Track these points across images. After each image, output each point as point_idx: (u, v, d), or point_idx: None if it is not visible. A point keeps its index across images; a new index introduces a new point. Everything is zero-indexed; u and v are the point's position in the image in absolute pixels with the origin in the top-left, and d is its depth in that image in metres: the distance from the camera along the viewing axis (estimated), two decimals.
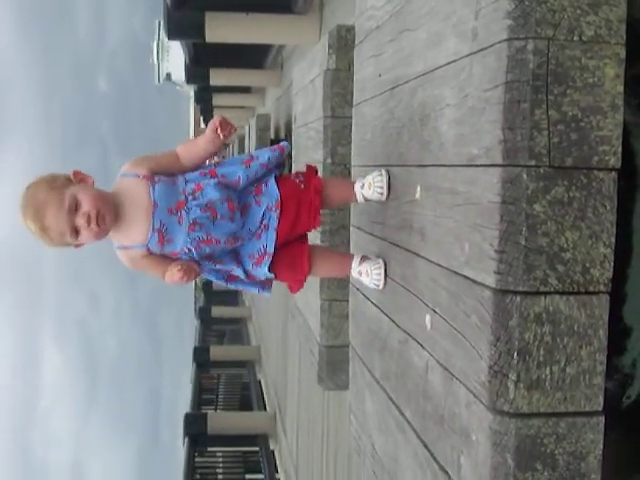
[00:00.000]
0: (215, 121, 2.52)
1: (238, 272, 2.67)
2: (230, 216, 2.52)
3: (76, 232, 2.45)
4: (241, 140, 17.72)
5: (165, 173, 2.56)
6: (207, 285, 21.89)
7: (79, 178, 2.52)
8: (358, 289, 3.07)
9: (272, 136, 12.68)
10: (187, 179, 2.55)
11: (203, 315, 18.52)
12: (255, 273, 2.66)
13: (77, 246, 2.54)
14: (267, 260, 2.60)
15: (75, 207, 2.43)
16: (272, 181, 2.63)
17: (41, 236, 2.45)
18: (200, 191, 2.52)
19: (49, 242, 2.47)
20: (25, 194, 2.45)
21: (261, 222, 2.58)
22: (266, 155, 2.65)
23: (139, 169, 2.53)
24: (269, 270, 2.66)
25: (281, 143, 2.71)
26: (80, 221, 2.42)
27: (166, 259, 2.57)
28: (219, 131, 2.51)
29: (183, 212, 2.50)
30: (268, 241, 2.59)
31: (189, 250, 2.53)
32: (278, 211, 2.59)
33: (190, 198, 2.51)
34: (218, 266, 2.64)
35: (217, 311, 18.76)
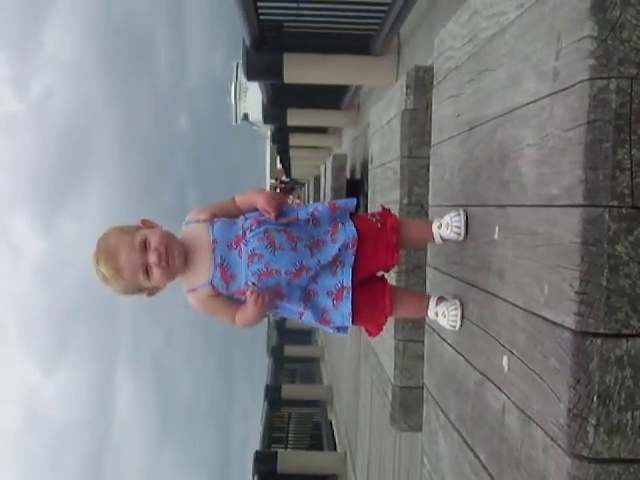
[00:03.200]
0: (264, 205, 2.54)
1: (307, 316, 2.60)
2: (291, 245, 2.47)
3: (148, 271, 2.47)
4: (316, 180, 17.73)
5: (225, 216, 2.60)
6: (280, 323, 21.83)
7: (148, 225, 2.57)
8: (434, 330, 3.02)
9: (348, 176, 12.73)
10: (247, 217, 2.57)
11: (276, 353, 18.60)
12: (335, 312, 2.57)
13: (150, 293, 2.56)
14: (347, 294, 2.52)
15: (145, 245, 2.46)
16: (348, 220, 2.59)
17: (114, 279, 2.46)
18: (257, 224, 2.51)
19: (123, 285, 2.48)
20: (98, 243, 2.49)
21: (335, 257, 2.51)
22: (328, 205, 2.64)
23: (200, 215, 2.58)
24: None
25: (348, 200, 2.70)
26: (152, 258, 2.44)
27: (234, 302, 2.56)
28: (270, 211, 2.55)
29: (242, 245, 2.49)
30: (344, 276, 2.52)
31: (253, 284, 2.49)
32: (354, 248, 2.53)
33: (248, 231, 2.50)
34: (287, 304, 2.59)
35: (290, 350, 19.07)
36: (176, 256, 2.46)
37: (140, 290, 2.53)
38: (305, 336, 20.25)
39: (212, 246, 2.48)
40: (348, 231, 2.54)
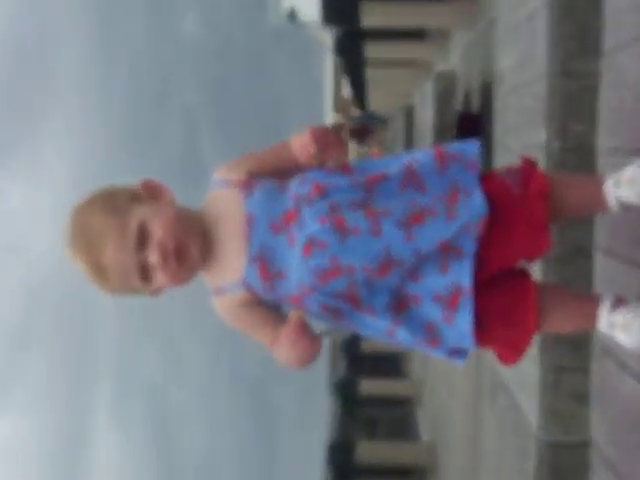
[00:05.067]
0: (298, 153, 2.04)
1: (400, 335, 2.03)
2: (370, 226, 1.96)
3: (146, 274, 1.99)
4: (408, 114, 13.64)
5: (274, 175, 2.09)
6: (351, 344, 15.14)
7: (151, 192, 2.05)
8: (608, 352, 2.66)
9: (460, 107, 9.11)
10: (305, 179, 2.03)
11: (344, 391, 13.23)
12: (448, 328, 2.02)
13: (152, 293, 2.08)
14: (467, 301, 1.97)
15: (145, 237, 1.96)
16: (477, 189, 2.03)
17: (97, 279, 2.00)
18: (319, 193, 1.98)
19: (108, 287, 2.02)
20: (73, 220, 2.00)
21: (447, 243, 1.98)
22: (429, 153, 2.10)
23: (232, 174, 2.06)
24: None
25: (468, 141, 2.13)
26: (152, 257, 1.95)
27: (279, 314, 2.03)
28: (311, 150, 2.03)
29: (294, 228, 1.97)
30: (461, 274, 1.96)
31: (312, 289, 1.96)
32: (479, 229, 1.97)
33: (304, 205, 1.97)
34: (366, 316, 2.02)
35: (367, 386, 13.41)
36: (192, 254, 1.97)
37: (135, 291, 2.07)
38: (390, 365, 13.95)
39: (246, 228, 1.97)
40: (474, 206, 2.00)
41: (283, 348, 1.97)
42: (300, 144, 2.03)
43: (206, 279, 2.08)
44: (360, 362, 13.85)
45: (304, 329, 1.93)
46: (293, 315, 1.95)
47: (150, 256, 1.94)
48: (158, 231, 1.95)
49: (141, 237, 1.94)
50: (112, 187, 2.04)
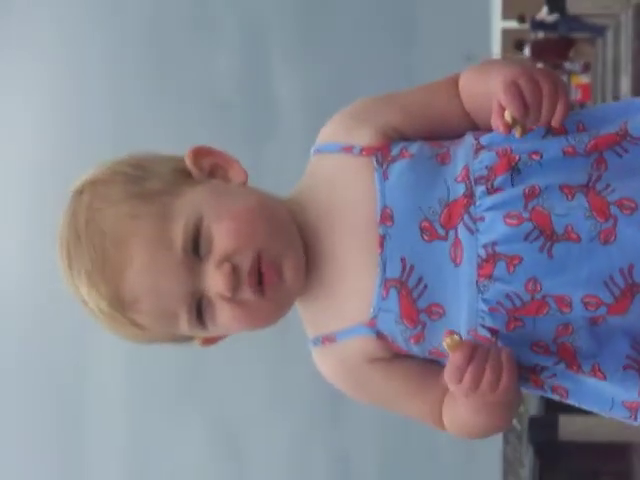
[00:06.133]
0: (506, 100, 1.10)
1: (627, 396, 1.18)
2: (599, 231, 1.14)
3: (200, 311, 1.16)
4: (637, 13, 8.49)
5: (426, 135, 1.23)
6: (541, 428, 8.05)
7: (208, 166, 1.23)
8: None
9: None
10: (481, 143, 1.19)
11: None
12: None
13: (206, 342, 1.26)
14: None
15: (196, 245, 1.15)
16: None
17: (110, 320, 1.17)
18: (509, 171, 1.16)
19: (129, 333, 1.19)
20: (72, 215, 1.18)
21: None
22: None
23: (354, 133, 1.22)
24: None
25: None
26: (215, 283, 1.14)
27: (434, 373, 1.21)
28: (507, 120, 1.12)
29: (462, 231, 1.15)
30: None
31: (493, 337, 1.16)
32: None
33: (480, 190, 1.16)
34: (590, 380, 1.19)
35: None
36: (286, 277, 1.17)
37: (177, 340, 1.23)
38: (610, 463, 7.78)
39: (380, 229, 1.17)
40: None
41: (466, 412, 1.15)
42: (505, 83, 1.14)
43: (304, 316, 1.26)
44: (558, 457, 7.53)
45: (511, 362, 1.12)
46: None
47: (210, 281, 1.14)
48: (224, 237, 1.15)
49: (194, 247, 1.15)
50: (139, 157, 1.21)
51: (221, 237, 1.14)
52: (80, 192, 1.18)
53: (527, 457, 8.05)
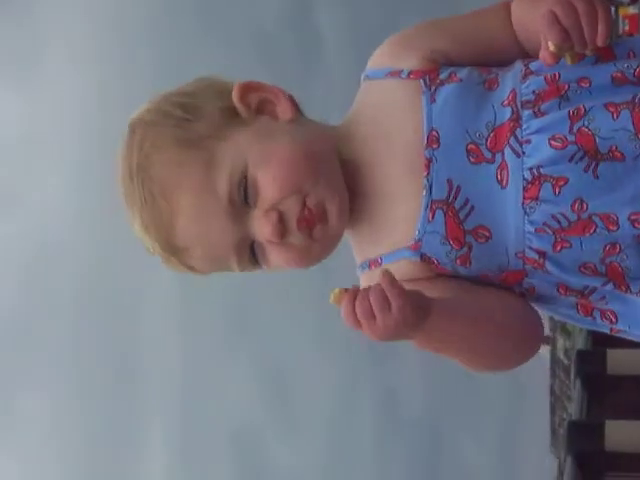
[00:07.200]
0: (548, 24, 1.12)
1: None
2: None
3: (252, 252, 1.21)
4: None
5: (476, 62, 1.23)
6: (589, 358, 6.39)
7: (256, 104, 1.23)
8: None
9: None
10: (530, 69, 1.20)
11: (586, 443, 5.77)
12: None
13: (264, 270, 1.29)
14: None
15: (243, 193, 1.18)
16: None
17: (165, 260, 1.23)
18: (557, 96, 1.17)
19: (187, 271, 1.25)
20: (126, 148, 1.21)
21: None
22: None
23: (402, 58, 1.22)
24: None
25: None
26: (262, 230, 1.18)
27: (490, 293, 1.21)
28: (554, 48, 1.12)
29: (508, 153, 1.15)
30: None
31: (540, 259, 1.17)
32: None
33: (527, 114, 1.16)
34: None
35: (618, 434, 5.72)
36: (331, 222, 1.20)
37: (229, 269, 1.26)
38: None
39: (426, 151, 1.17)
40: None
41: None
42: (529, 27, 1.19)
43: (353, 244, 1.29)
44: (604, 392, 6.63)
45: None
46: None
47: (258, 229, 1.18)
48: (270, 185, 1.17)
49: (241, 196, 1.18)
50: (190, 91, 1.22)
51: (266, 186, 1.16)
52: (133, 130, 1.20)
53: (575, 391, 8.07)
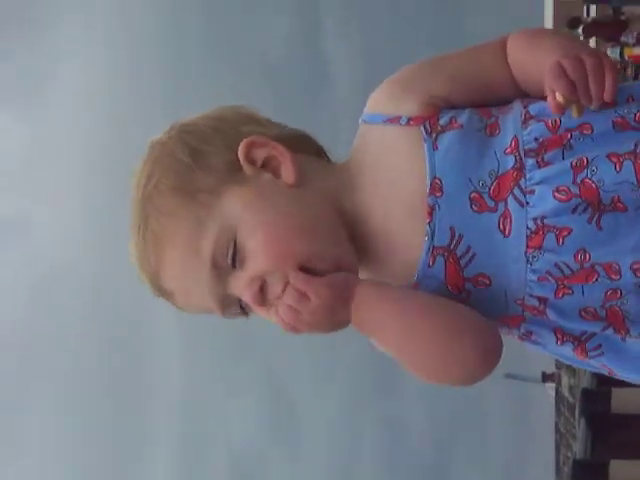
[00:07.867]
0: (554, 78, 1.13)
1: None
2: None
3: (240, 306, 1.21)
4: None
5: (474, 102, 1.24)
6: (594, 398, 6.77)
7: (264, 157, 1.22)
8: None
9: None
10: (530, 113, 1.20)
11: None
12: None
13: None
14: None
15: (234, 258, 1.18)
16: None
17: (155, 295, 1.25)
18: (560, 145, 1.17)
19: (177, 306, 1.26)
20: (139, 173, 1.23)
21: None
22: None
23: (400, 103, 1.22)
24: None
25: None
26: (243, 295, 1.18)
27: None
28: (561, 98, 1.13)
29: (511, 203, 1.16)
30: None
31: (542, 306, 1.18)
32: None
33: (530, 163, 1.17)
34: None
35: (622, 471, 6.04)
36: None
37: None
38: None
39: (429, 199, 1.18)
40: None
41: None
42: (529, 71, 1.21)
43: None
44: (608, 431, 6.73)
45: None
46: None
47: (237, 290, 1.17)
48: (257, 257, 1.16)
49: (228, 259, 1.17)
50: (203, 134, 1.22)
51: (255, 257, 1.16)
52: (147, 159, 1.22)
53: (579, 430, 8.00)
